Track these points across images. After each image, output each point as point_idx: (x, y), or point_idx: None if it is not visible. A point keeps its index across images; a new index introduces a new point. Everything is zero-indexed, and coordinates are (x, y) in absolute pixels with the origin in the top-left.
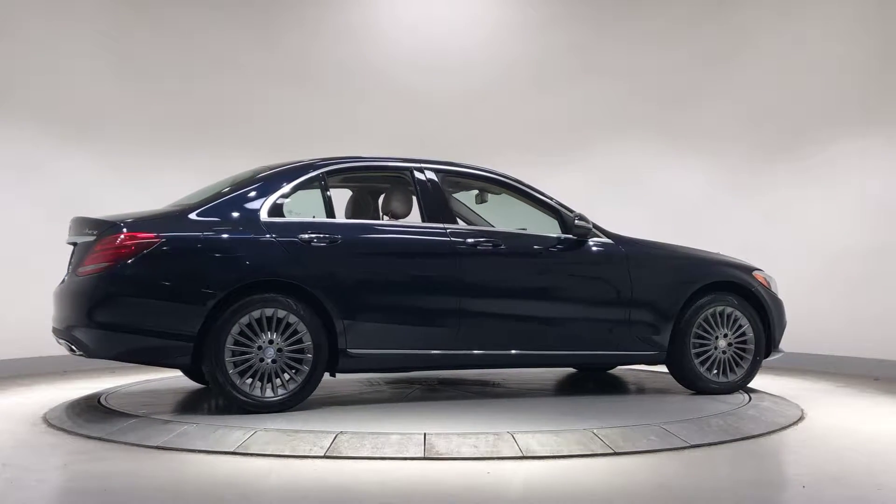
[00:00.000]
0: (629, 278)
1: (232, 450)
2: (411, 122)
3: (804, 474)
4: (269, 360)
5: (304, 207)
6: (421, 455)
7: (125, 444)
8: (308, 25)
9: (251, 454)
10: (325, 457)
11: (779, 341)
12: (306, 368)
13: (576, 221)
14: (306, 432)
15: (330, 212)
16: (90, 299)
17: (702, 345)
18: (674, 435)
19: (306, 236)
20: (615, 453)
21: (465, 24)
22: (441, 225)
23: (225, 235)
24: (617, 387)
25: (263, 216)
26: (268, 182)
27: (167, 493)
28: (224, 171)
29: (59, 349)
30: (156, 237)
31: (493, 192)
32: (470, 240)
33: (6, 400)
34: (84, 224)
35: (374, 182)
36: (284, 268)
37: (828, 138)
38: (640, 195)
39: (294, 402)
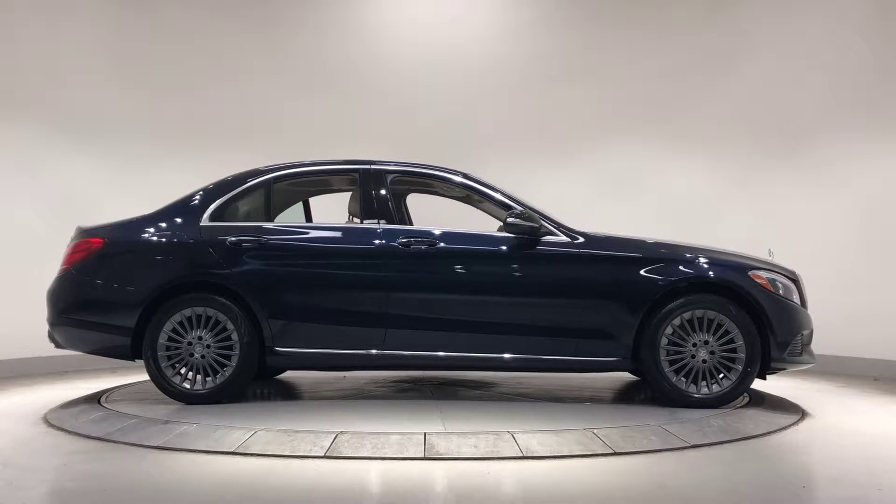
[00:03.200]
0: (582, 279)
1: (232, 450)
2: (412, 121)
3: (804, 474)
4: (199, 356)
5: (251, 212)
6: (421, 455)
7: (125, 444)
8: (308, 26)
9: (251, 454)
10: (325, 457)
11: (786, 350)
12: (234, 364)
13: (507, 219)
14: (306, 432)
15: (270, 215)
16: (55, 298)
17: (678, 352)
18: (674, 435)
19: (237, 239)
20: (615, 453)
21: (468, 26)
22: (377, 225)
23: (164, 239)
24: (617, 388)
25: (204, 220)
26: (217, 188)
27: (167, 493)
28: (224, 171)
29: (58, 349)
30: (102, 241)
31: (445, 190)
32: (402, 239)
33: (6, 400)
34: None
35: (325, 186)
36: (213, 269)
37: (828, 138)
38: (640, 195)
39: (223, 395)
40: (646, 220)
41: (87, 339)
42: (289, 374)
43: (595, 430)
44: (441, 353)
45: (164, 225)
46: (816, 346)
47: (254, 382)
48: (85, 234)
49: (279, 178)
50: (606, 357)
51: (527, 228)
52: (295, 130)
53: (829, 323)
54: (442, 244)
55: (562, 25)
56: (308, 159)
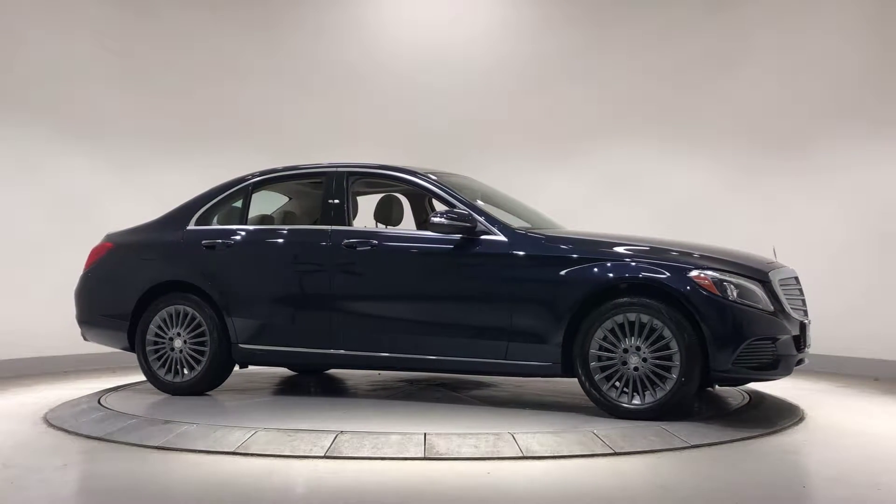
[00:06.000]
0: (512, 280)
1: (232, 450)
2: (411, 122)
3: (804, 474)
4: (178, 350)
5: (231, 216)
6: (421, 455)
7: (125, 444)
8: (307, 27)
9: (251, 454)
10: (325, 457)
11: (732, 359)
12: (206, 359)
13: (431, 219)
14: (306, 432)
15: (244, 218)
16: (77, 298)
17: (609, 358)
18: (674, 435)
19: (210, 242)
20: (615, 453)
21: (467, 26)
22: (328, 227)
23: (155, 242)
24: None
25: (191, 224)
26: (207, 194)
27: (167, 493)
28: (224, 172)
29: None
30: (110, 246)
31: (404, 191)
32: (346, 241)
33: (6, 400)
34: None
35: (303, 189)
36: (188, 270)
37: (828, 138)
38: (640, 195)
39: (201, 386)
40: (646, 220)
41: (105, 335)
42: (288, 375)
43: (595, 431)
44: (384, 354)
45: (160, 229)
46: (816, 347)
47: (255, 381)
48: (103, 239)
49: (258, 184)
50: (536, 361)
51: (458, 228)
52: (295, 131)
53: (829, 323)
54: (385, 245)
55: (562, 25)
56: (289, 164)
